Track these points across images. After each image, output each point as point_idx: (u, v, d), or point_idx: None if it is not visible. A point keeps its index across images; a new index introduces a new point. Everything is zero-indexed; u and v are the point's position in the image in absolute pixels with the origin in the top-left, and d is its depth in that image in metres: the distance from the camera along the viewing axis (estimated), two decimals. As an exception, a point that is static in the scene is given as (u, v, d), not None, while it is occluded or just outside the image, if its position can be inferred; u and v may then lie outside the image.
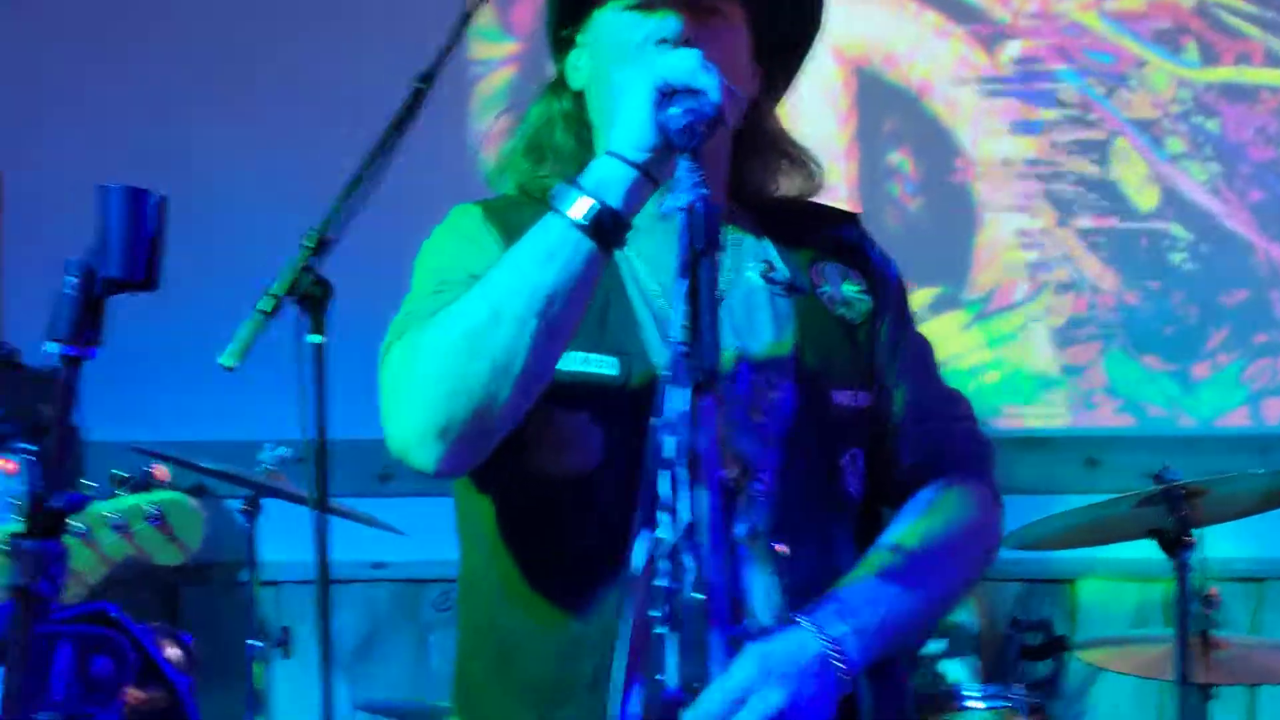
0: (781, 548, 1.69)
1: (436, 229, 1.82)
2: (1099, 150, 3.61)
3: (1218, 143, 3.59)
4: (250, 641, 3.11)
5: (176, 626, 3.73)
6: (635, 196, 1.53)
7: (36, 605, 1.06)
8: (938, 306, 3.65)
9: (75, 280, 1.12)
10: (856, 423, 1.76)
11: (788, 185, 1.82)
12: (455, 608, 1.85)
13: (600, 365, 1.67)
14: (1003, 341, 3.67)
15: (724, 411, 1.64)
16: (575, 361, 1.66)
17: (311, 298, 2.38)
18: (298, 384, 2.46)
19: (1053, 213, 3.62)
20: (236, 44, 3.85)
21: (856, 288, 1.80)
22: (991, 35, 3.64)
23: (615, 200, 1.52)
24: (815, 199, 1.85)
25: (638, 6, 1.69)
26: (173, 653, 1.03)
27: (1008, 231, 3.65)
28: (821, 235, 1.83)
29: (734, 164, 1.78)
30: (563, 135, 1.79)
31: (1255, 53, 3.58)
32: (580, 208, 1.52)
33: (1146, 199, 3.60)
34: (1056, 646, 2.99)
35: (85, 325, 1.13)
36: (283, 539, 3.48)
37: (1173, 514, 2.42)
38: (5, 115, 3.88)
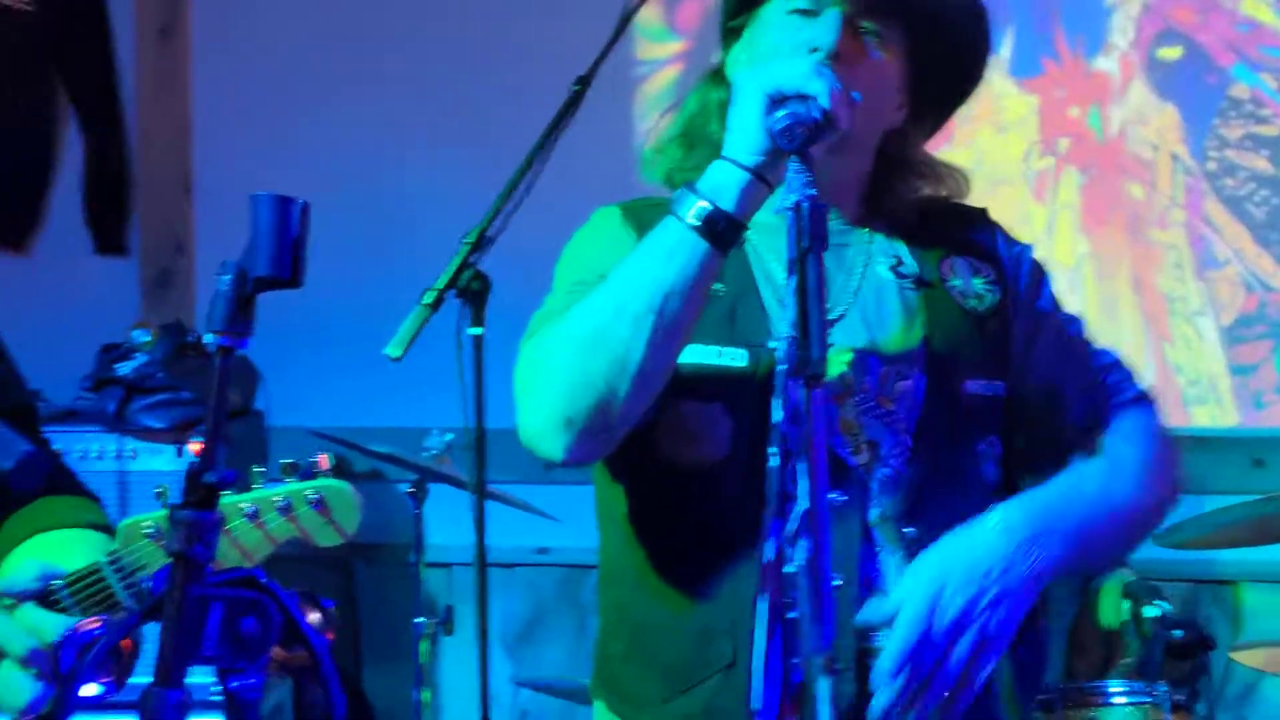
0: (910, 531, 1.70)
1: (577, 231, 1.86)
2: (1272, 146, 3.52)
3: (1399, 138, 3.47)
4: (416, 620, 3.17)
5: (353, 605, 3.91)
6: (748, 199, 1.56)
7: (191, 569, 1.12)
8: (1106, 304, 3.61)
9: (229, 279, 1.17)
10: (991, 410, 1.77)
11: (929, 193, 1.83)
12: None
13: (731, 358, 1.69)
14: (1170, 339, 3.61)
15: (854, 400, 1.72)
16: (706, 355, 1.69)
17: (472, 292, 2.48)
18: (459, 374, 2.56)
19: (1223, 209, 3.54)
20: (400, 41, 3.94)
21: (985, 280, 1.80)
22: (1161, 32, 3.58)
23: (728, 204, 1.55)
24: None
25: (801, 11, 1.71)
26: (314, 616, 1.10)
27: (1175, 226, 3.59)
28: (953, 232, 1.83)
29: (875, 184, 1.80)
30: (716, 125, 1.76)
31: None
32: (695, 210, 1.56)
33: (1321, 195, 3.51)
34: (1201, 646, 2.93)
35: (237, 319, 1.18)
36: (452, 522, 3.58)
37: (1329, 515, 2.36)
38: (201, 117, 4.06)
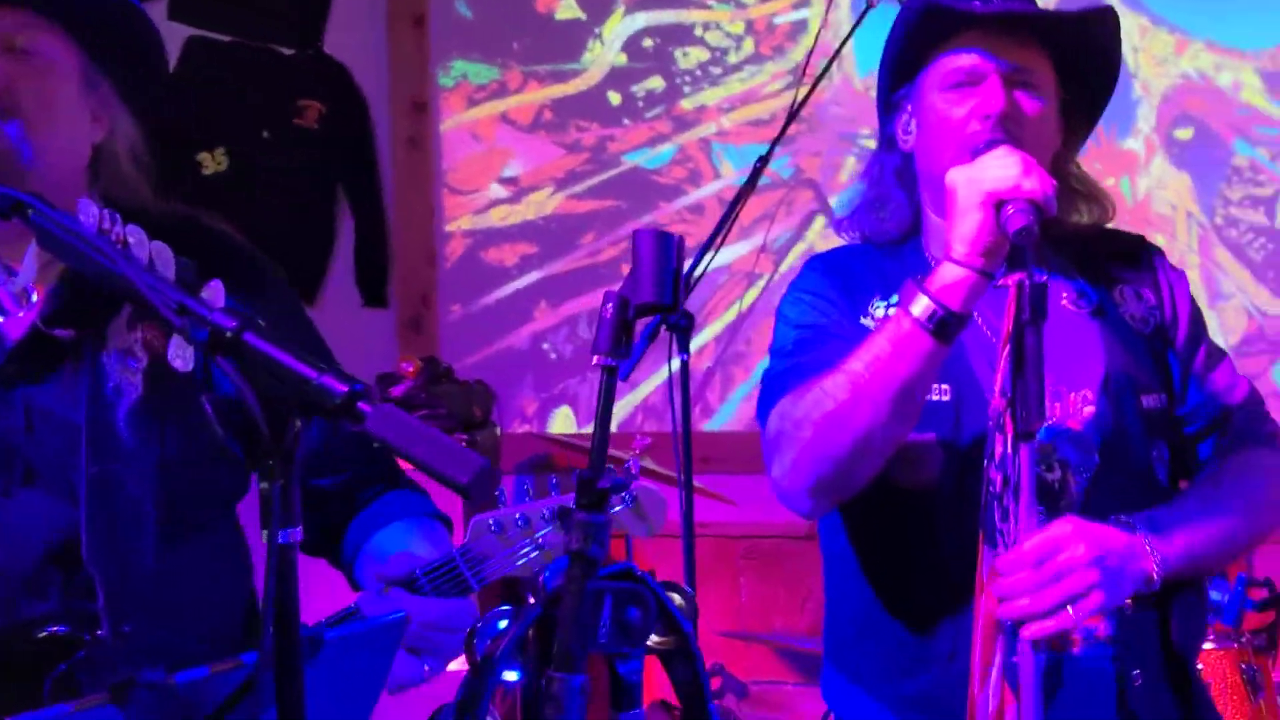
0: None
1: (791, 285, 1.67)
2: (1267, 204, 3.43)
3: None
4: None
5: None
6: (974, 295, 1.38)
7: (588, 566, 0.94)
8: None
9: (613, 306, 1.00)
10: (1161, 421, 1.57)
11: (1084, 215, 1.60)
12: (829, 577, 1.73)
13: (937, 393, 1.50)
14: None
15: (1046, 425, 1.49)
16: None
17: (680, 327, 2.43)
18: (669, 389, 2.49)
19: (1228, 254, 3.45)
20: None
21: (1149, 304, 1.60)
22: (1177, 117, 3.49)
23: (956, 303, 1.37)
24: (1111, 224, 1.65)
25: (958, 86, 1.50)
26: (679, 601, 0.88)
27: (1191, 268, 3.46)
28: (1120, 259, 1.62)
29: None
30: (895, 189, 1.61)
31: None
32: (925, 310, 1.37)
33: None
34: (1275, 602, 2.67)
35: (619, 341, 1.01)
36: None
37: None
38: (440, 206, 3.99)
